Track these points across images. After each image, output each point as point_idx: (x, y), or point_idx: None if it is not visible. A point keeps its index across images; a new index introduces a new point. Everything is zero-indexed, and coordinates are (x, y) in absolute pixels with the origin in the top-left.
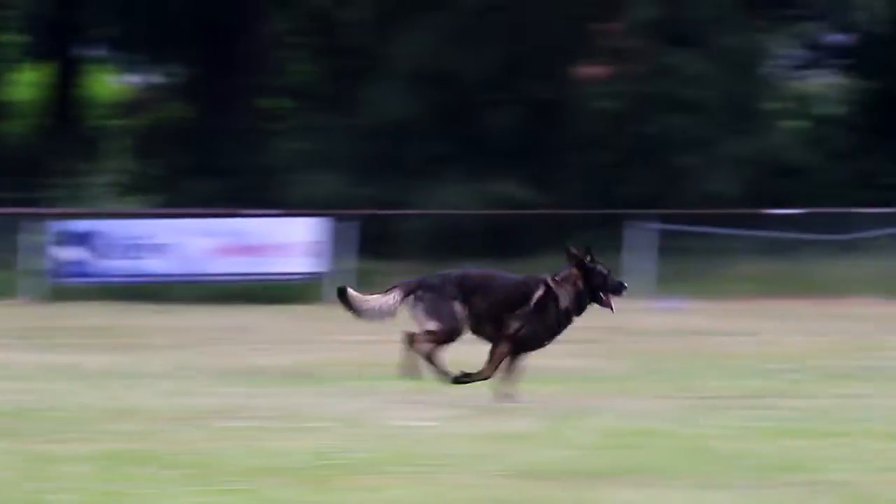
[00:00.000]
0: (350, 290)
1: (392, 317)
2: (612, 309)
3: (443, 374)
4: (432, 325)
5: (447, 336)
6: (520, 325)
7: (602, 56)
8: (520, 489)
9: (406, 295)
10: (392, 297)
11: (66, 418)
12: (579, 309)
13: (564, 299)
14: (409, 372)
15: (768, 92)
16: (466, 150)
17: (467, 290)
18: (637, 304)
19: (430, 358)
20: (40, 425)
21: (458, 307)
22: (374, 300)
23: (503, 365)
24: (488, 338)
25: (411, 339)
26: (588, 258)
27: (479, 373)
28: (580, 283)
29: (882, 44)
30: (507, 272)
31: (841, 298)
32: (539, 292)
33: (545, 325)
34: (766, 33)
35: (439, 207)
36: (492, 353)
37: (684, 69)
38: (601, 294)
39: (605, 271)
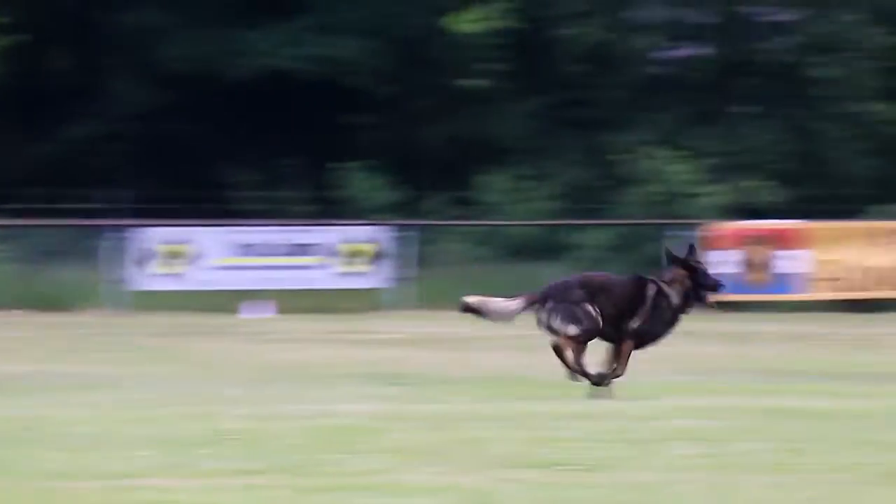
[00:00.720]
0: (473, 298)
1: (511, 320)
2: (714, 306)
3: (587, 376)
4: (573, 330)
5: (589, 336)
6: (641, 323)
7: None
8: None
9: (531, 304)
10: (515, 303)
11: None
12: (687, 306)
13: (675, 297)
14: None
15: None
16: None
17: (592, 292)
18: None
19: (577, 362)
20: None
21: (590, 308)
22: (498, 303)
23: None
24: (608, 336)
25: (559, 348)
26: (693, 259)
27: (613, 371)
28: (687, 283)
29: None
30: (618, 274)
31: None
32: (651, 292)
33: (662, 321)
34: None
35: None
36: (619, 350)
37: None
38: (703, 292)
39: (707, 270)
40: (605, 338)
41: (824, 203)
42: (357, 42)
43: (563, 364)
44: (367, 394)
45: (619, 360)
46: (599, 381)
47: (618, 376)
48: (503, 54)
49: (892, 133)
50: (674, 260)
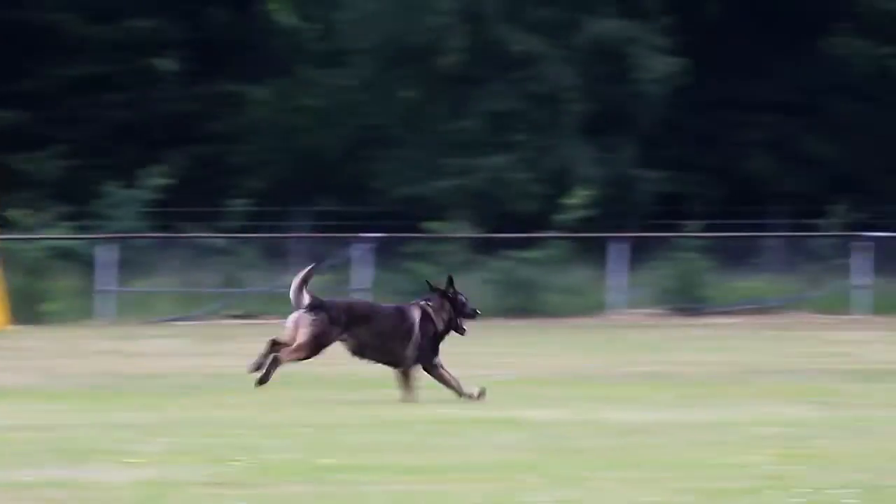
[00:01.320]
0: None
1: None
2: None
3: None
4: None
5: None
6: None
7: None
8: None
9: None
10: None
11: None
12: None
13: (440, 323)
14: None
15: None
16: None
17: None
18: None
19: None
20: None
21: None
22: None
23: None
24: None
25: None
26: (451, 290)
27: None
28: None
29: None
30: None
31: None
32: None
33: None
34: None
35: None
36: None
37: None
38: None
39: (464, 300)
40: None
41: None
42: None
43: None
44: None
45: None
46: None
47: None
48: None
49: None
50: (433, 290)
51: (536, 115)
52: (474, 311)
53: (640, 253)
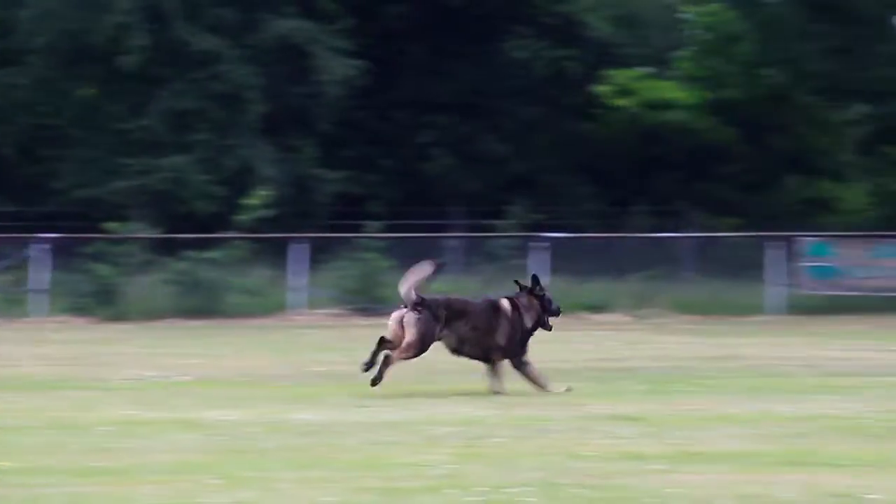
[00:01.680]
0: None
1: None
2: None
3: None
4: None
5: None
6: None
7: None
8: None
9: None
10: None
11: None
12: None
13: (528, 320)
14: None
15: None
16: None
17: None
18: None
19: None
20: None
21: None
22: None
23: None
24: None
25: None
26: (538, 288)
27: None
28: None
29: None
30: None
31: None
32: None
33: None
34: None
35: None
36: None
37: None
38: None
39: (550, 297)
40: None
41: None
42: None
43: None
44: None
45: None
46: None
47: None
48: None
49: None
50: (522, 288)
51: (217, 114)
52: (558, 308)
53: (321, 253)
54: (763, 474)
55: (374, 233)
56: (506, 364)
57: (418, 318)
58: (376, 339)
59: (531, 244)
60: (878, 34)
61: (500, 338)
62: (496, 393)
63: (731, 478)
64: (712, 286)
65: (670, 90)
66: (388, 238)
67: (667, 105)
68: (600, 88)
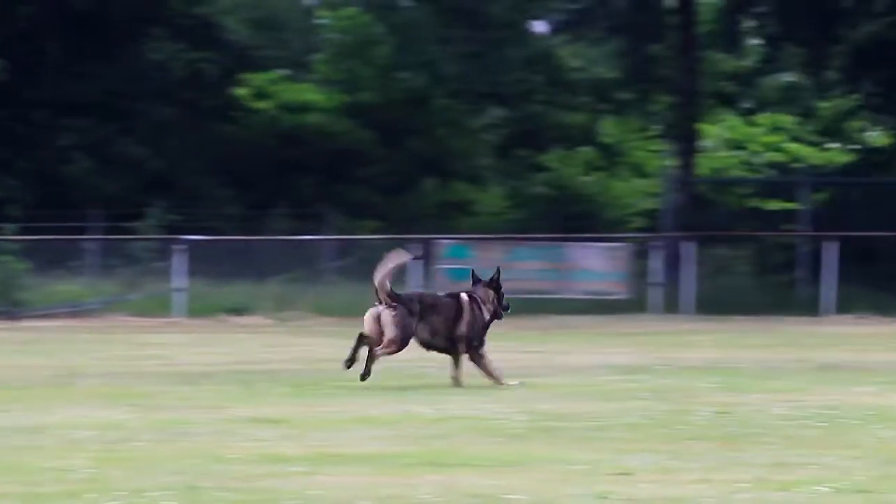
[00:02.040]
0: None
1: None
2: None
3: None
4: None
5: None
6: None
7: None
8: None
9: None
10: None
11: None
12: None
13: (486, 312)
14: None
15: None
16: None
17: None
18: None
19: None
20: None
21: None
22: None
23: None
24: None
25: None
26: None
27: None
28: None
29: None
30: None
31: None
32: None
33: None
34: None
35: None
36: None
37: None
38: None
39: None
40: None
41: None
42: None
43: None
44: None
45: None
46: None
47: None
48: None
49: None
50: (478, 281)
51: None
52: (508, 304)
53: None
54: (404, 476)
55: (9, 235)
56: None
57: (395, 314)
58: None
59: (172, 246)
60: (514, 39)
61: (463, 328)
62: (457, 385)
63: (371, 479)
64: (353, 288)
65: (308, 93)
66: (25, 240)
67: (305, 108)
68: (239, 91)
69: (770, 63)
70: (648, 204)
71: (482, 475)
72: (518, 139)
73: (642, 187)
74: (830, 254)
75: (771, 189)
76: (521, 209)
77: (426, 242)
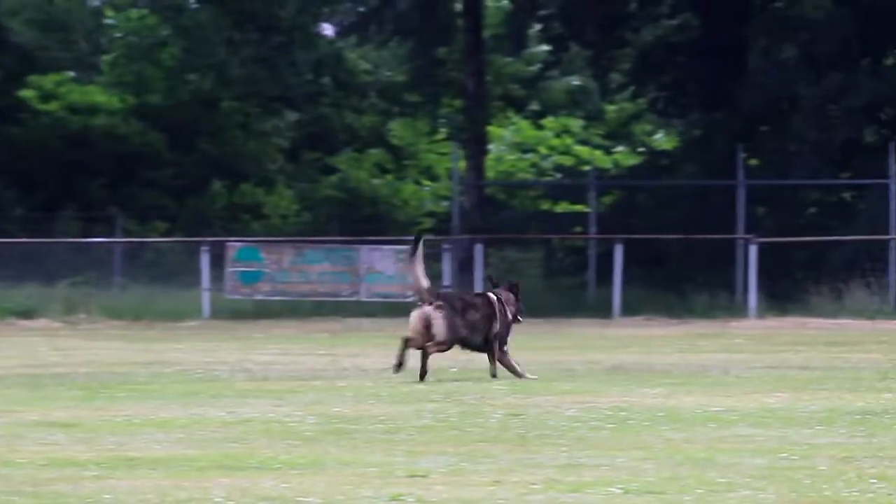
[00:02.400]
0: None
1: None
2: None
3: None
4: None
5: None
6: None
7: None
8: None
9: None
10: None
11: None
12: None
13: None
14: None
15: None
16: None
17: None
18: None
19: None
20: None
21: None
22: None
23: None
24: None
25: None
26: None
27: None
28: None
29: None
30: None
31: None
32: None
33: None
34: None
35: None
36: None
37: None
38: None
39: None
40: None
41: None
42: None
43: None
44: None
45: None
46: None
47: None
48: None
49: None
50: (497, 285)
51: None
52: (524, 308)
53: None
54: (196, 479)
55: None
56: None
57: (443, 314)
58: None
59: None
60: (303, 42)
61: (497, 327)
62: (494, 377)
63: (164, 483)
64: (143, 291)
65: (96, 95)
66: None
67: (93, 109)
68: (25, 93)
69: (557, 66)
70: (438, 206)
71: (276, 478)
72: (308, 142)
73: (432, 190)
74: (618, 256)
75: (559, 192)
76: (312, 212)
77: (217, 245)
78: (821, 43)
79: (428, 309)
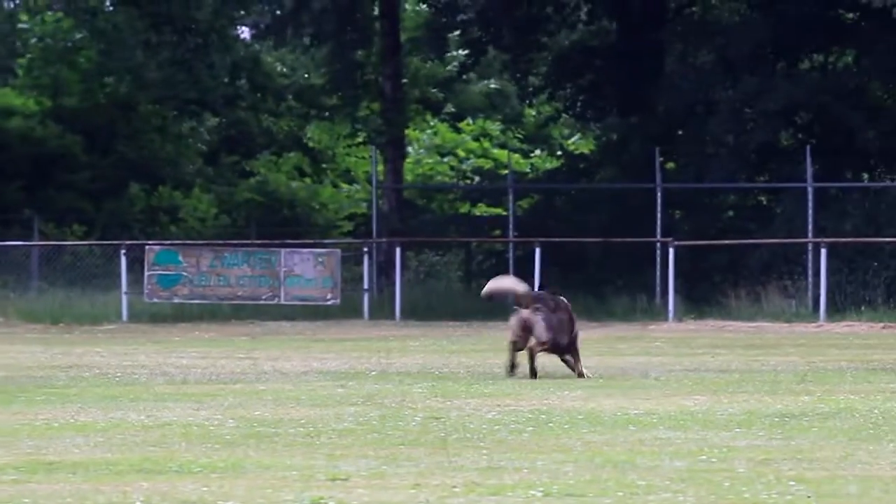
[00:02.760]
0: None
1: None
2: None
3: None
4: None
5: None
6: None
7: None
8: None
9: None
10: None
11: None
12: None
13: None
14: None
15: None
16: None
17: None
18: None
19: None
20: None
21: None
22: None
23: None
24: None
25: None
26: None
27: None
28: None
29: None
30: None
31: None
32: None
33: None
34: None
35: None
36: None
37: None
38: None
39: None
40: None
41: None
42: None
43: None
44: None
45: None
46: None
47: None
48: None
49: None
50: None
51: None
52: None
53: None
54: (116, 483)
55: None
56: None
57: (541, 315)
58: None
59: None
60: (219, 45)
61: (575, 327)
62: (581, 375)
63: (83, 487)
64: (61, 295)
65: (12, 98)
66: None
67: (9, 112)
68: None
69: (474, 69)
70: (358, 210)
71: (196, 482)
72: (226, 145)
73: (351, 193)
74: (537, 259)
75: (477, 195)
76: (230, 215)
77: (135, 248)
78: (736, 47)
79: (526, 313)
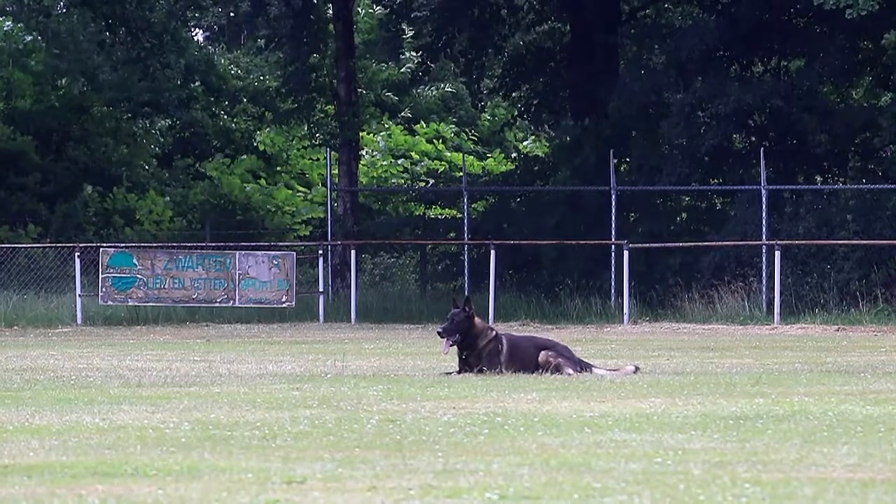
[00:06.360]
0: None
1: None
2: None
3: None
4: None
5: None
6: None
7: None
8: None
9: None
10: None
11: None
12: None
13: None
14: None
15: None
16: None
17: None
18: None
19: None
20: None
21: None
22: None
23: None
24: None
25: None
26: None
27: None
28: None
29: None
30: None
31: None
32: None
33: None
34: None
35: None
36: None
37: None
38: None
39: None
40: None
41: None
42: None
43: None
44: None
45: None
46: None
47: None
48: None
49: None
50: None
51: None
52: None
53: None
54: (71, 486)
55: None
56: None
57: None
58: None
59: None
60: (173, 48)
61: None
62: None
63: (39, 490)
64: (15, 297)
65: None
66: None
67: None
68: None
69: (428, 72)
70: (313, 212)
71: (151, 484)
72: (180, 147)
73: (306, 196)
74: (492, 262)
75: (432, 197)
76: (185, 217)
77: (89, 251)
78: (688, 50)
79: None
